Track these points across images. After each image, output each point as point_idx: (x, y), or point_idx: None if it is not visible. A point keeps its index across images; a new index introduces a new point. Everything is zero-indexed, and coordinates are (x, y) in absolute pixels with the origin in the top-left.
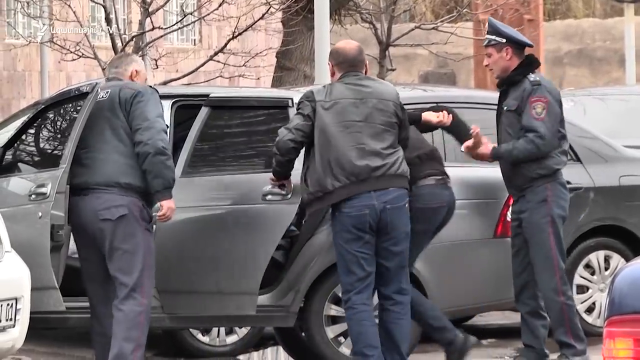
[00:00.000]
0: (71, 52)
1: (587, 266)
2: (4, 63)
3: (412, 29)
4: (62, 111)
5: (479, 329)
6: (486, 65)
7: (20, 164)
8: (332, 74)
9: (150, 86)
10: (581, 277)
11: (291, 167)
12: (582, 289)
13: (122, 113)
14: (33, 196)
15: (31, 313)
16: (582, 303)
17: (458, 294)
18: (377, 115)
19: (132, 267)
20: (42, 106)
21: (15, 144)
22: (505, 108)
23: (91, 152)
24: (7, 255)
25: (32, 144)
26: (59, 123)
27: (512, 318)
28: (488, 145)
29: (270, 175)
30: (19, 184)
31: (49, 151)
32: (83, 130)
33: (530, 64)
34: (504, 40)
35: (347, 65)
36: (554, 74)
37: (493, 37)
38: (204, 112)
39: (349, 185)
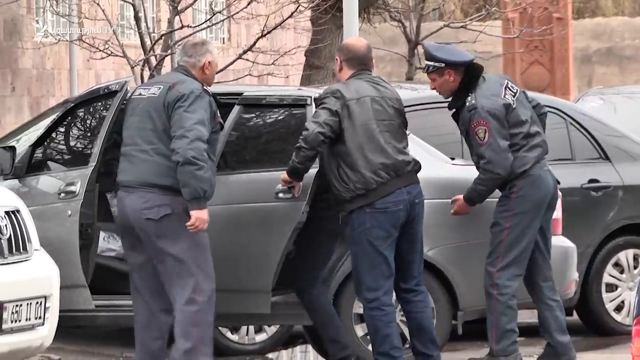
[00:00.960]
0: (100, 51)
1: (616, 265)
2: (33, 61)
3: (441, 28)
4: (91, 110)
5: None
6: (433, 89)
7: (49, 162)
8: (340, 70)
9: (203, 87)
10: (610, 275)
11: (311, 165)
12: (611, 288)
13: (166, 115)
14: (62, 194)
15: (60, 311)
16: (611, 302)
17: None
18: (395, 114)
19: (183, 270)
20: (72, 105)
21: (45, 143)
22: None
23: (136, 149)
24: (36, 254)
25: (62, 142)
26: (88, 121)
27: None
28: (459, 197)
29: (283, 175)
30: (48, 182)
31: (79, 150)
32: (129, 125)
33: (469, 81)
34: (443, 65)
35: (357, 62)
36: (583, 73)
37: (431, 63)
38: (236, 110)
39: (390, 180)
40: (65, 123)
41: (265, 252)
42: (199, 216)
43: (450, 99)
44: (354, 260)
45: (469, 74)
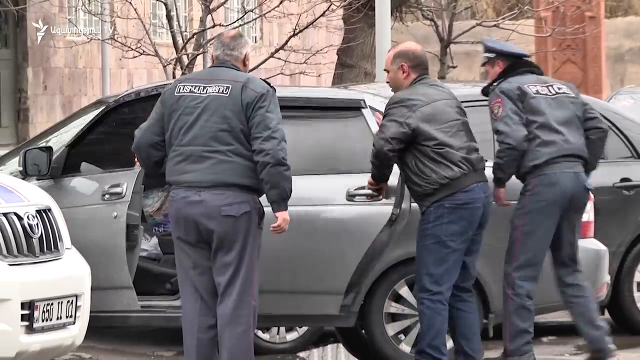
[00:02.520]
0: (132, 50)
1: None
2: (65, 60)
3: (473, 27)
4: (135, 111)
5: (538, 326)
6: (488, 80)
7: (84, 164)
8: (407, 75)
9: (269, 84)
10: None
11: (390, 171)
12: None
13: (244, 116)
14: (107, 196)
15: (104, 312)
16: None
17: None
18: (461, 114)
19: (243, 268)
20: (111, 106)
21: (82, 144)
22: None
23: (208, 150)
24: (68, 252)
25: (102, 143)
26: (133, 122)
27: None
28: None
29: (369, 178)
30: (90, 183)
31: (122, 151)
32: (189, 125)
33: (506, 71)
34: (493, 55)
35: (422, 67)
36: (615, 71)
37: (485, 54)
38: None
39: (470, 173)
40: (104, 124)
41: (339, 255)
42: (285, 217)
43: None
44: (423, 253)
45: (512, 66)
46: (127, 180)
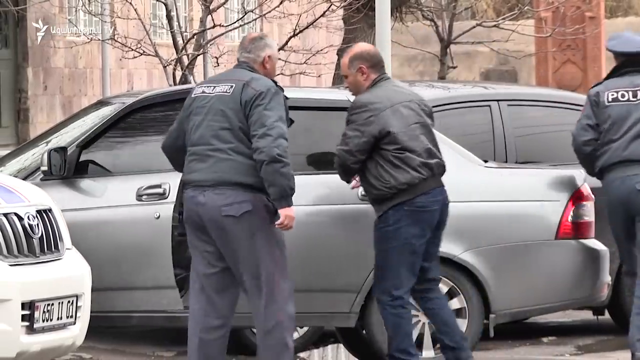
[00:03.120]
0: (132, 50)
1: None
2: (65, 60)
3: (474, 27)
4: (161, 113)
5: (539, 326)
6: None
7: (92, 165)
8: (367, 76)
9: (276, 83)
10: None
11: (355, 173)
12: None
13: (243, 114)
14: (145, 196)
15: (143, 312)
16: None
17: (519, 295)
18: (421, 117)
19: (259, 269)
20: (129, 109)
21: (96, 143)
22: None
23: (210, 149)
24: (68, 253)
25: (125, 143)
26: (164, 124)
27: (572, 316)
28: None
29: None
30: (118, 183)
31: (155, 152)
32: (197, 125)
33: (612, 70)
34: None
35: (380, 66)
36: None
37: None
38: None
39: (430, 178)
40: (126, 124)
41: (355, 254)
42: (288, 214)
43: None
44: (383, 256)
45: (620, 66)
46: (168, 180)
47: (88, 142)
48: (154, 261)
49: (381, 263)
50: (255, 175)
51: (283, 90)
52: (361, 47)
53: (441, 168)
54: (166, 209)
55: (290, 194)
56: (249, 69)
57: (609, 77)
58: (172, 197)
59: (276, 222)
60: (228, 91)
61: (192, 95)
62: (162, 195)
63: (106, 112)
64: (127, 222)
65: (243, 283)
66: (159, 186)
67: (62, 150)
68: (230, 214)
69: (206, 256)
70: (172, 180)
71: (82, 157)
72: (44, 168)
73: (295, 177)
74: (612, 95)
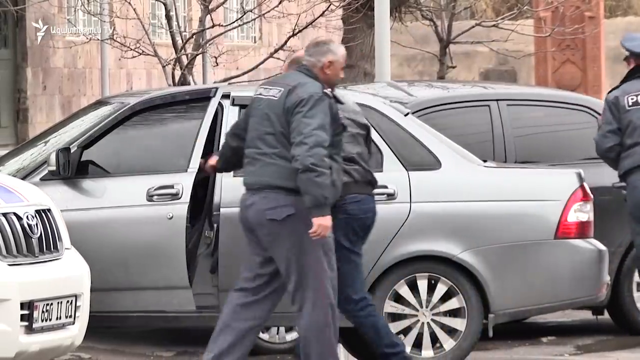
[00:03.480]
0: (131, 50)
1: None
2: (64, 60)
3: (473, 27)
4: (170, 114)
5: (538, 326)
6: None
7: (92, 166)
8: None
9: (324, 90)
10: None
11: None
12: None
13: (285, 119)
14: (156, 197)
15: (155, 312)
16: None
17: (518, 295)
18: (350, 126)
19: (299, 271)
20: (134, 109)
21: (99, 143)
22: None
23: (258, 153)
24: (67, 253)
25: (131, 144)
26: (172, 125)
27: (571, 316)
28: None
29: None
30: (127, 183)
31: (163, 152)
32: (250, 127)
33: (629, 73)
34: (628, 53)
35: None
36: (615, 71)
37: (623, 50)
38: None
39: (349, 184)
40: (131, 125)
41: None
42: (321, 223)
43: None
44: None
45: (635, 68)
46: (181, 181)
47: (90, 142)
48: (166, 261)
49: (333, 272)
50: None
51: (332, 98)
52: (297, 54)
53: (367, 176)
54: (179, 209)
55: (325, 203)
56: (307, 72)
57: (625, 80)
58: (186, 197)
59: (309, 231)
60: (276, 95)
61: (253, 96)
62: (176, 196)
63: (105, 112)
64: (137, 222)
65: (288, 284)
66: (171, 186)
67: (66, 150)
68: (273, 217)
69: (253, 259)
70: (185, 181)
71: (85, 157)
72: (52, 168)
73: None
74: (632, 99)
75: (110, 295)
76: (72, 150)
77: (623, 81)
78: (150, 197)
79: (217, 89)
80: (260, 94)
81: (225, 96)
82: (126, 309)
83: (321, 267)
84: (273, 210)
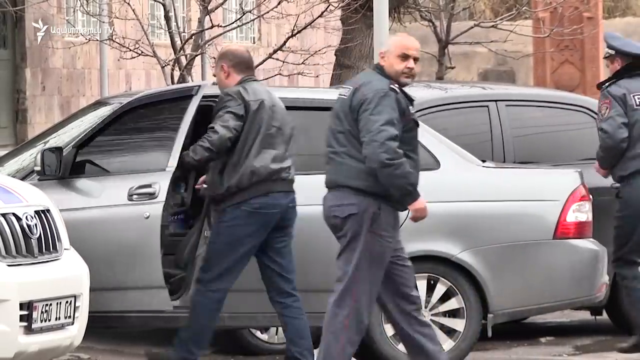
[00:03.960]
0: (130, 50)
1: None
2: (63, 61)
3: (472, 27)
4: (157, 112)
5: (537, 326)
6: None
7: (88, 165)
8: (228, 75)
9: (391, 85)
10: None
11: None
12: None
13: (352, 118)
14: (135, 196)
15: (135, 312)
16: None
17: (517, 295)
18: (284, 122)
19: (344, 268)
20: (126, 107)
21: (92, 144)
22: None
23: (331, 152)
24: (66, 253)
25: (119, 143)
26: (156, 124)
27: (570, 316)
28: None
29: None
30: (111, 183)
31: (146, 152)
32: (328, 126)
33: (622, 71)
34: (613, 52)
35: (245, 67)
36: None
37: (606, 49)
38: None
39: (263, 183)
40: (120, 125)
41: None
42: (417, 207)
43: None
44: (214, 249)
45: (629, 66)
46: (159, 180)
47: (84, 142)
48: (144, 261)
49: (211, 254)
50: (365, 178)
51: (399, 93)
52: (228, 47)
53: (287, 174)
54: (155, 209)
55: (412, 190)
56: (377, 68)
57: (619, 77)
58: (162, 196)
59: (409, 217)
60: (346, 94)
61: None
62: (153, 195)
63: (104, 112)
64: (116, 221)
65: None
66: (149, 186)
67: (58, 150)
68: (337, 214)
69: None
70: (162, 181)
71: (79, 158)
72: (37, 168)
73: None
74: (639, 98)
75: (101, 295)
76: (64, 151)
77: (617, 77)
78: (130, 197)
79: (199, 87)
80: (340, 95)
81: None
82: (110, 309)
83: (361, 270)
84: (338, 207)
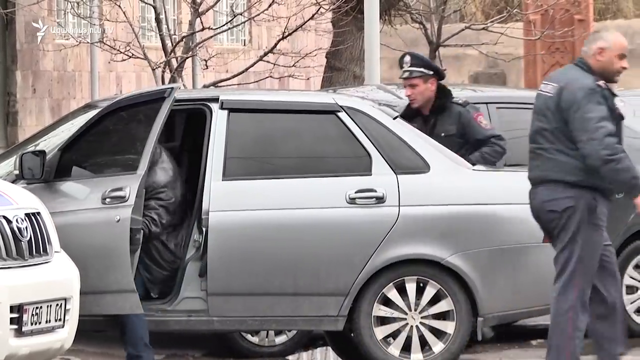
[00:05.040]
0: (121, 53)
1: (637, 267)
2: (54, 63)
3: (462, 30)
4: (132, 115)
5: (527, 329)
6: (408, 96)
7: (75, 168)
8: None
9: (597, 82)
10: (631, 277)
11: None
12: (631, 290)
13: (559, 116)
14: (108, 200)
15: (95, 315)
16: (631, 304)
17: (507, 298)
18: None
19: (566, 260)
20: (106, 110)
21: (75, 147)
22: (443, 134)
23: (538, 148)
24: (57, 256)
25: (98, 147)
26: (130, 127)
27: None
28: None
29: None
30: (87, 187)
31: (122, 155)
32: (531, 123)
33: (448, 91)
34: (432, 72)
35: None
36: None
37: (420, 69)
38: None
39: None
40: (99, 128)
41: (343, 257)
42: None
43: None
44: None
45: (444, 87)
46: (129, 184)
47: (67, 145)
48: (115, 265)
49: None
50: (578, 173)
51: (605, 89)
52: None
53: None
54: (125, 212)
55: (636, 182)
56: (581, 64)
57: None
58: (132, 200)
59: (637, 211)
60: (550, 92)
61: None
62: (123, 199)
63: (93, 115)
64: (91, 225)
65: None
66: (120, 189)
67: (41, 153)
68: (553, 208)
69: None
70: (132, 184)
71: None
72: (16, 172)
73: (285, 180)
74: None
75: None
76: (49, 154)
77: None
78: (103, 200)
79: (171, 89)
80: (540, 91)
81: (214, 100)
82: (90, 313)
83: (585, 266)
84: (554, 201)
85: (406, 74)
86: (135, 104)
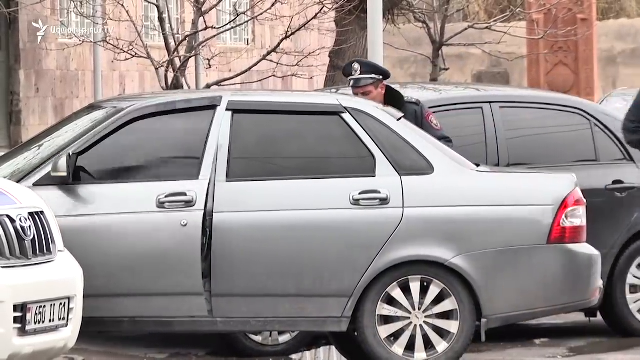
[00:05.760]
0: (124, 52)
1: None
2: (57, 63)
3: (466, 29)
4: (175, 122)
5: (531, 328)
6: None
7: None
8: None
9: None
10: (634, 276)
11: None
12: (635, 289)
13: None
14: (167, 204)
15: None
16: (635, 303)
17: (510, 299)
18: None
19: None
20: (136, 115)
21: (91, 151)
22: None
23: None
24: (60, 255)
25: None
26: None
27: (564, 318)
28: None
29: None
30: (131, 190)
31: (172, 160)
32: None
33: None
34: (381, 77)
35: None
36: (607, 74)
37: (371, 75)
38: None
39: None
40: (123, 134)
41: (347, 258)
42: None
43: None
44: None
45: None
46: (195, 188)
47: (86, 148)
48: (181, 268)
49: None
50: None
51: None
52: None
53: None
54: (196, 217)
55: None
56: None
57: None
58: (200, 204)
59: None
60: None
61: None
62: (190, 203)
63: (98, 116)
64: (146, 228)
65: None
66: (184, 194)
67: (75, 155)
68: None
69: None
70: (199, 189)
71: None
72: (63, 174)
73: (289, 181)
74: None
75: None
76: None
77: None
78: (160, 204)
79: (221, 97)
80: None
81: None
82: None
83: None
84: None
85: (358, 82)
86: (170, 111)
